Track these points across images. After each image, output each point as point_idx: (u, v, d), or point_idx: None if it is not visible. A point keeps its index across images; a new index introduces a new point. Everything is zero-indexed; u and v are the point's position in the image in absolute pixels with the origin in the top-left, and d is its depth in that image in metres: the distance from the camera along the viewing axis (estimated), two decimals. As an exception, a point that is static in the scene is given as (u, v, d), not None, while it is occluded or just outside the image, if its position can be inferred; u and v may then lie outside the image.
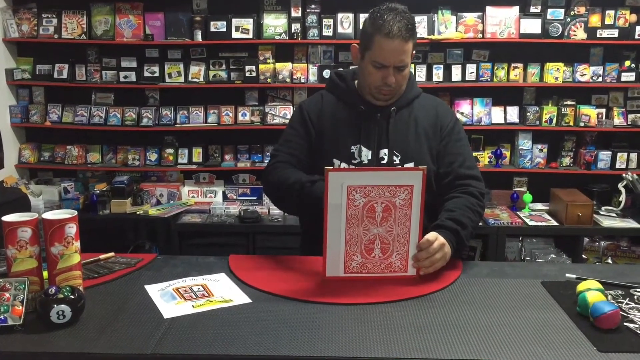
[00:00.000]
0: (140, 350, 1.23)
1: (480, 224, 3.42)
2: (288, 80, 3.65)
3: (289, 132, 1.91)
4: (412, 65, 3.64)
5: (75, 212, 1.45)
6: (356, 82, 1.88)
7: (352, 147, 1.82)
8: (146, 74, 3.67)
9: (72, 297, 1.34)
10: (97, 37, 3.63)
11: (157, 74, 3.67)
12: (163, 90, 3.76)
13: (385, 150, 1.82)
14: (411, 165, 1.81)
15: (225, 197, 3.80)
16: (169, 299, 1.49)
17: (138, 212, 3.49)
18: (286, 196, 1.79)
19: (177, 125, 3.72)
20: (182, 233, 3.45)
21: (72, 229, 1.42)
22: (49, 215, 1.42)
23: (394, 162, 1.81)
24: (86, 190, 3.66)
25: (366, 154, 1.82)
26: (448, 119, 1.87)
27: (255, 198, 3.79)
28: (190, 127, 3.72)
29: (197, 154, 3.76)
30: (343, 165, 1.81)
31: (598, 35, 3.57)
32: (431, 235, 1.58)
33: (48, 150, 3.80)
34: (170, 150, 3.75)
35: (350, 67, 1.99)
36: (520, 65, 3.64)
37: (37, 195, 3.54)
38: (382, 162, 1.82)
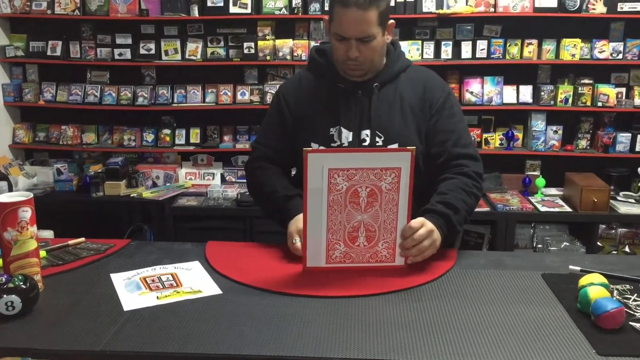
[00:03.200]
0: (90, 346, 1.14)
1: (489, 209, 3.33)
2: (289, 57, 3.52)
3: (267, 119, 1.82)
4: (419, 42, 3.48)
5: (31, 195, 1.35)
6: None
7: (332, 129, 1.69)
8: (142, 51, 3.56)
9: (24, 286, 1.25)
10: (91, 13, 3.53)
11: (153, 51, 3.56)
12: (159, 68, 3.65)
13: (367, 131, 1.68)
14: (396, 146, 1.67)
15: (223, 180, 3.70)
16: (134, 289, 1.39)
17: (132, 195, 3.41)
18: (261, 203, 1.78)
19: (174, 105, 3.62)
20: (177, 217, 3.36)
21: (26, 213, 1.32)
22: (1, 198, 1.32)
23: (377, 144, 1.67)
24: (81, 172, 3.60)
25: (346, 136, 1.68)
26: (438, 94, 1.71)
27: (254, 181, 3.67)
28: (188, 107, 3.62)
29: (195, 135, 3.66)
30: (321, 148, 1.68)
31: (619, 9, 3.38)
32: (416, 221, 1.45)
33: (43, 131, 3.73)
34: (167, 131, 3.65)
35: None
36: (535, 41, 3.46)
37: (32, 177, 3.48)
38: (364, 144, 1.68)
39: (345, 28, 1.56)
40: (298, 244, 1.51)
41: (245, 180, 3.55)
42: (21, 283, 1.25)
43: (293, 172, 1.88)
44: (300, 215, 1.52)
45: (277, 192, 1.67)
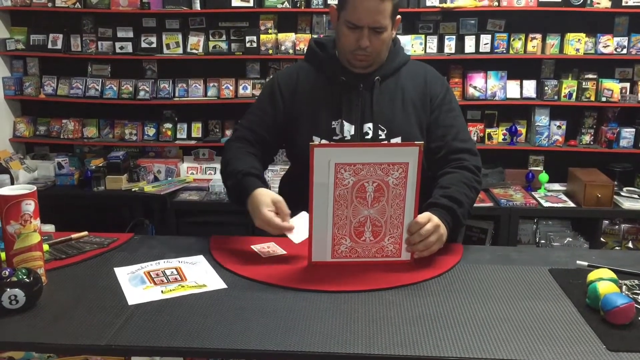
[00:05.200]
0: (95, 340, 1.13)
1: (492, 204, 3.31)
2: (291, 51, 3.49)
3: (256, 104, 1.79)
4: (423, 36, 3.46)
5: (34, 188, 1.34)
6: (337, 51, 1.73)
7: (333, 123, 1.68)
8: (143, 44, 3.54)
9: (28, 280, 1.24)
10: (92, 6, 3.50)
11: (154, 45, 3.54)
12: (161, 61, 3.63)
13: (370, 125, 1.67)
14: (398, 140, 1.66)
15: (225, 174, 3.67)
16: (138, 283, 1.38)
17: (134, 189, 3.39)
18: (224, 180, 1.70)
19: (176, 99, 3.60)
20: (179, 211, 3.35)
21: (29, 206, 1.31)
22: (4, 191, 1.31)
23: (379, 137, 1.67)
24: (82, 166, 3.58)
25: (348, 129, 1.67)
26: (438, 88, 1.71)
27: (256, 175, 3.65)
28: (189, 101, 3.59)
29: (197, 129, 3.64)
30: (324, 142, 1.67)
31: (623, 4, 3.35)
32: (423, 216, 1.43)
33: (44, 124, 3.71)
34: (169, 125, 3.63)
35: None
36: (539, 35, 3.44)
37: (32, 171, 3.46)
38: (367, 137, 1.68)
39: (360, 16, 1.56)
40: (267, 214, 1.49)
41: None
42: (24, 277, 1.23)
43: (287, 168, 1.85)
44: (257, 193, 1.53)
45: (240, 168, 1.62)
